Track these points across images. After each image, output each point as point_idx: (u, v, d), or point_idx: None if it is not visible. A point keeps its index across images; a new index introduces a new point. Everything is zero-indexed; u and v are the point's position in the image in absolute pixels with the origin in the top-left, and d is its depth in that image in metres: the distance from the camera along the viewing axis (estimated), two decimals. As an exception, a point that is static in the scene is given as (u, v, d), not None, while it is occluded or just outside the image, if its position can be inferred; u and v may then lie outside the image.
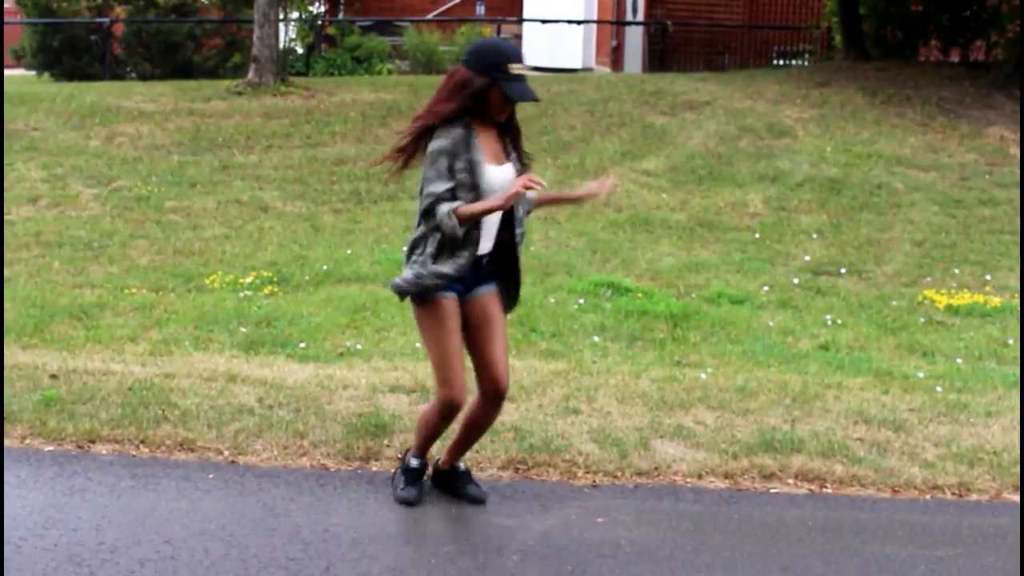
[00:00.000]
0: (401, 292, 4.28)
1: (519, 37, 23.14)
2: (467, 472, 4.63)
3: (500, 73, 4.18)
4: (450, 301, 4.24)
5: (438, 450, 4.72)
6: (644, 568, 4.09)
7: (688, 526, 4.47)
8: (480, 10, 23.93)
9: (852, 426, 5.55)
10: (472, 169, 4.15)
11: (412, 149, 4.30)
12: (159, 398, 5.59)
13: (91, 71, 20.08)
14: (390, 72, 20.30)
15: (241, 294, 8.09)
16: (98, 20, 20.32)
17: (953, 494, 4.91)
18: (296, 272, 8.65)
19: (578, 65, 22.12)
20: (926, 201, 11.05)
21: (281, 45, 15.92)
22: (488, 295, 4.35)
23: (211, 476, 4.79)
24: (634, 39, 22.21)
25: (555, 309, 7.71)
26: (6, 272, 8.55)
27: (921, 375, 6.56)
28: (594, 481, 4.89)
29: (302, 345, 6.85)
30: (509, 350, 4.59)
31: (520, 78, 4.25)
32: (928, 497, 4.88)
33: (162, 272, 8.71)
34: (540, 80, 16.65)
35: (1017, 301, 8.20)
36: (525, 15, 22.98)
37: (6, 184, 11.02)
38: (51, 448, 5.06)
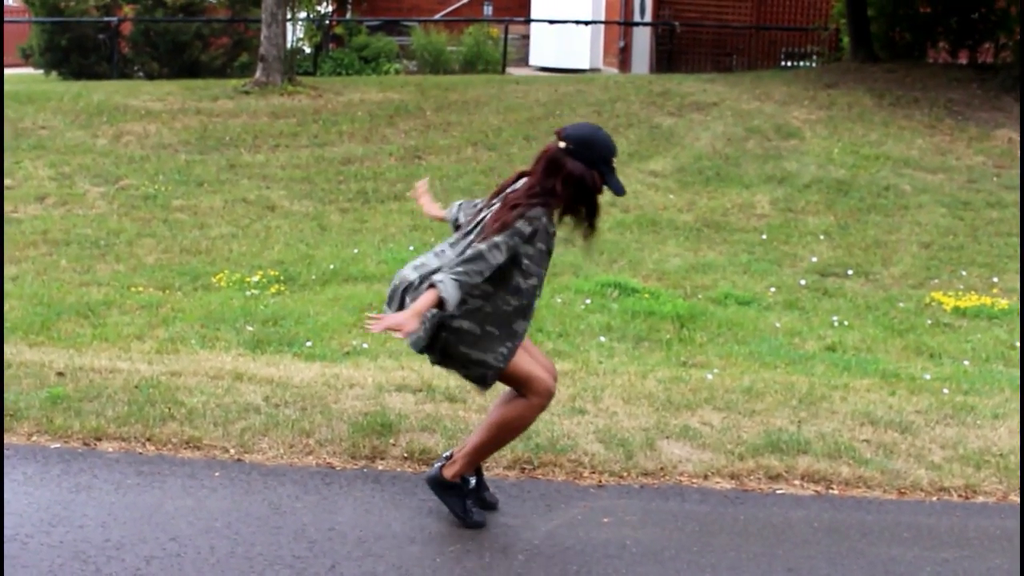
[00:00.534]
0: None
1: (526, 37, 23.18)
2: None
3: (607, 168, 4.11)
4: None
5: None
6: (650, 568, 4.08)
7: (694, 527, 4.46)
8: (488, 10, 23.95)
9: (858, 427, 5.54)
10: (542, 258, 4.14)
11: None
12: (165, 396, 5.60)
13: (99, 70, 20.14)
14: (397, 72, 20.33)
15: (248, 293, 8.10)
16: (106, 19, 20.37)
17: (959, 496, 4.90)
18: (303, 271, 8.66)
19: (585, 66, 22.14)
20: (934, 203, 11.03)
21: (289, 45, 15.96)
22: None
23: (217, 474, 4.79)
24: (642, 40, 22.20)
25: (561, 309, 7.71)
26: (14, 270, 8.57)
27: (928, 377, 6.54)
28: (600, 481, 4.89)
29: (308, 344, 6.85)
30: None
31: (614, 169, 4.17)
32: (934, 499, 4.87)
33: (169, 271, 8.73)
34: (547, 80, 16.66)
35: (1025, 303, 8.19)
36: (533, 15, 23.01)
37: (14, 182, 11.05)
38: (57, 445, 5.07)
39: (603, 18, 23.12)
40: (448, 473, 4.36)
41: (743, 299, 8.23)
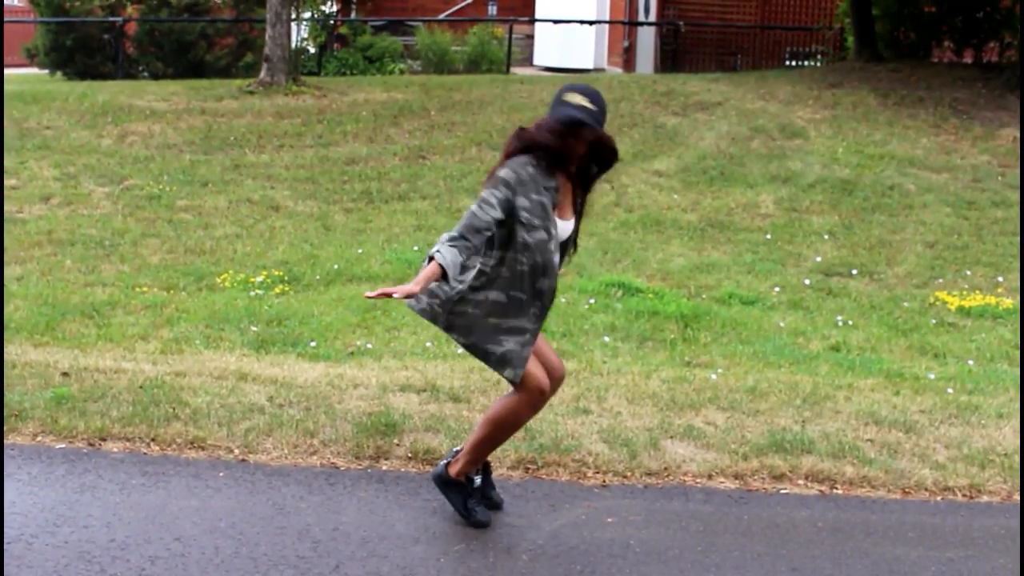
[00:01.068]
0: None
1: (531, 37, 23.19)
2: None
3: (562, 107, 4.14)
4: None
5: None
6: (654, 568, 4.08)
7: (698, 526, 4.46)
8: (492, 10, 23.96)
9: (863, 427, 5.53)
10: (543, 212, 4.11)
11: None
12: (170, 396, 5.61)
13: (103, 70, 20.17)
14: (402, 72, 20.34)
15: (252, 293, 8.11)
16: (111, 19, 20.41)
17: (964, 496, 4.90)
18: (307, 271, 8.67)
19: (590, 65, 22.15)
20: (938, 202, 11.02)
21: (293, 45, 15.96)
22: None
23: (221, 474, 4.80)
24: (646, 39, 22.20)
25: (566, 309, 7.70)
26: (19, 270, 8.59)
27: (932, 376, 6.54)
28: (604, 481, 4.89)
29: (313, 344, 6.86)
30: None
31: None
32: (939, 499, 4.87)
33: (173, 271, 8.74)
34: (551, 80, 16.66)
35: (1029, 303, 8.18)
36: (537, 15, 23.01)
37: (19, 182, 11.07)
38: (62, 446, 5.08)
39: (607, 18, 23.13)
40: (452, 471, 4.39)
41: (747, 299, 8.23)
